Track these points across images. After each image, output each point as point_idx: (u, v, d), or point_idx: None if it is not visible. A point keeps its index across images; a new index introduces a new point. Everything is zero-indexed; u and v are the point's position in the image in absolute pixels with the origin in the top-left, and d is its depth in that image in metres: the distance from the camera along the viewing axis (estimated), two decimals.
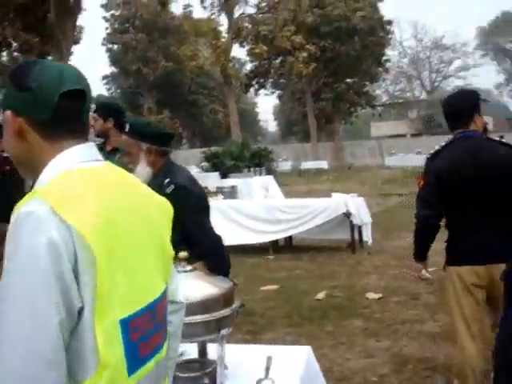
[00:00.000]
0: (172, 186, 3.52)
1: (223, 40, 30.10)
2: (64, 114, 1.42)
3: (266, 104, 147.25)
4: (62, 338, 1.19)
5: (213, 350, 2.89)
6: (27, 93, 1.40)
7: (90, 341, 1.23)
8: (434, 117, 53.73)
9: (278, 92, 53.18)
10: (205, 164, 25.02)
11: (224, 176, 22.52)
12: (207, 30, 29.80)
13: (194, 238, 3.48)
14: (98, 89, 65.16)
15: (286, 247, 10.80)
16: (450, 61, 69.79)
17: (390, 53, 48.20)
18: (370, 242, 10.39)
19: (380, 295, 7.23)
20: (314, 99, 42.80)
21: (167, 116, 46.55)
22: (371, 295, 7.25)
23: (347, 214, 9.77)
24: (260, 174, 17.86)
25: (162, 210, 1.57)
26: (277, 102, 66.44)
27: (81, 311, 1.22)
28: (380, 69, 44.95)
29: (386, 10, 40.96)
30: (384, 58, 44.25)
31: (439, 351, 5.31)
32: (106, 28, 46.18)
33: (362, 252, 10.04)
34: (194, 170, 30.03)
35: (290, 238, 10.82)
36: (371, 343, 5.63)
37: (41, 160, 1.42)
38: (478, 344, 3.84)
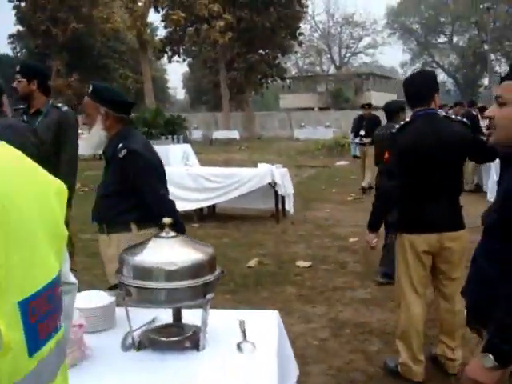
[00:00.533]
0: (124, 151, 3.62)
1: (140, 4, 29.49)
2: None
3: (174, 71, 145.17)
4: None
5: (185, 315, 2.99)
6: None
7: None
8: (343, 91, 54.86)
9: (188, 60, 52.66)
10: None
11: None
12: None
13: (146, 202, 3.65)
14: (3, 48, 62.50)
15: (209, 216, 10.90)
16: (360, 38, 71.26)
17: (303, 26, 48.43)
18: (292, 211, 10.65)
19: (310, 263, 7.47)
20: (226, 69, 42.68)
21: (76, 79, 45.22)
22: (301, 263, 7.49)
23: (272, 184, 9.97)
24: (178, 142, 17.81)
25: (58, 194, 1.51)
26: (186, 70, 65.86)
27: None
28: (293, 42, 45.21)
29: None
30: (298, 31, 44.50)
31: (372, 316, 5.62)
32: None
33: (285, 222, 10.28)
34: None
35: (213, 206, 10.94)
36: (308, 309, 5.86)
37: None
38: (422, 307, 4.17)
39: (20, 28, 47.92)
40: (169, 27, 37.63)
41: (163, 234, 2.80)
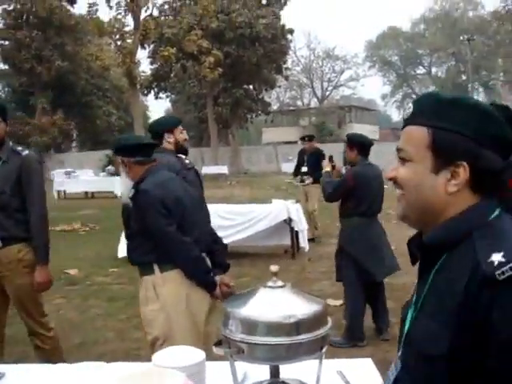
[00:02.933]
0: (133, 191, 3.66)
1: (129, 41, 29.52)
2: None
3: (155, 108, 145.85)
4: None
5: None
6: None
7: None
8: (326, 124, 55.19)
9: (172, 96, 52.84)
10: (110, 168, 24.35)
11: None
12: (113, 29, 29.06)
13: (156, 241, 3.61)
14: None
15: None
16: (342, 71, 72.14)
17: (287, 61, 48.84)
18: (307, 248, 10.48)
19: (340, 301, 7.28)
20: (212, 104, 42.85)
21: (61, 117, 45.08)
22: (332, 301, 7.29)
23: (288, 221, 9.81)
24: None
25: None
26: (168, 106, 66.02)
27: None
28: (277, 76, 45.53)
29: (282, 20, 41.74)
30: (285, 65, 44.90)
31: None
32: None
33: (301, 258, 10.11)
34: (88, 174, 29.32)
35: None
36: (354, 351, 5.68)
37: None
38: None
39: (1, 66, 47.96)
40: (155, 63, 37.74)
41: (271, 284, 2.63)
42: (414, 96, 74.12)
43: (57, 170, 35.45)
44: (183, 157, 4.48)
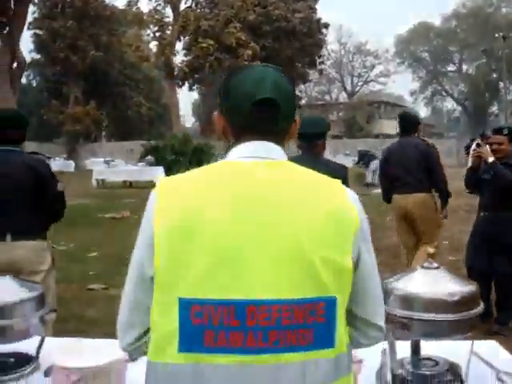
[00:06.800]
0: None
1: (168, 32, 29.63)
2: (250, 119, 1.56)
3: (182, 99, 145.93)
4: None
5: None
6: (227, 99, 1.59)
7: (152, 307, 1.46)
8: (356, 120, 54.98)
9: (202, 88, 52.82)
10: (150, 158, 24.59)
11: (168, 170, 22.19)
12: (152, 20, 29.22)
13: None
14: None
15: None
16: (372, 66, 71.64)
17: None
18: None
19: None
20: None
21: (93, 107, 45.38)
22: None
23: None
24: None
25: (334, 217, 1.49)
26: (195, 98, 66.11)
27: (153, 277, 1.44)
28: (312, 71, 45.42)
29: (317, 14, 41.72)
30: (319, 60, 44.76)
31: None
32: (34, 12, 44.52)
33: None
34: (121, 163, 29.42)
35: None
36: None
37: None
38: None
39: (34, 55, 48.29)
40: (190, 56, 37.81)
41: (427, 265, 2.72)
42: (443, 93, 73.58)
43: (91, 159, 35.73)
44: None
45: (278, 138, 1.62)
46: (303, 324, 1.43)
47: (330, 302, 1.46)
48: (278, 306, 1.40)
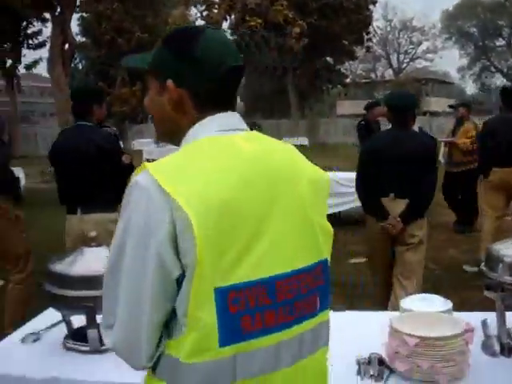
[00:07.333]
0: None
1: (215, 11, 29.59)
2: (221, 88, 1.47)
3: None
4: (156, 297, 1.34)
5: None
6: (192, 64, 1.44)
7: (183, 304, 1.31)
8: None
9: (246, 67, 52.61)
10: None
11: None
12: (201, 0, 29.23)
13: None
14: None
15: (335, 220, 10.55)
16: (419, 42, 70.51)
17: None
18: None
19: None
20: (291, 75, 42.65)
21: (139, 88, 45.66)
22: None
23: None
24: None
25: (314, 185, 1.53)
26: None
27: (180, 277, 1.31)
28: (358, 48, 44.97)
29: None
30: (367, 37, 44.23)
31: None
32: None
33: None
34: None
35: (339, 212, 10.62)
36: None
37: (185, 129, 1.49)
38: None
39: (79, 38, 48.77)
40: (235, 35, 37.67)
41: None
42: (492, 69, 72.02)
43: (137, 139, 36.05)
44: None
45: (234, 108, 1.55)
46: (313, 289, 1.48)
47: (325, 264, 1.53)
48: (297, 277, 1.43)
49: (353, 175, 10.29)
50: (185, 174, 1.33)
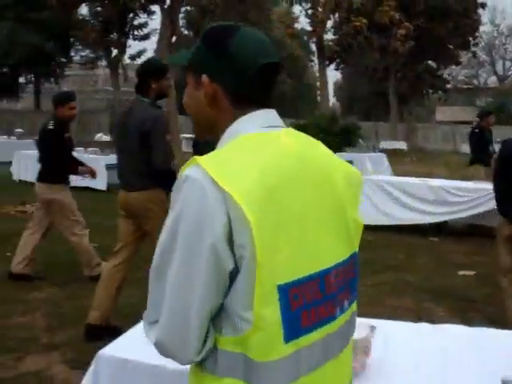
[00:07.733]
0: None
1: (320, 10, 29.36)
2: (257, 85, 1.49)
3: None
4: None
5: None
6: (227, 61, 1.45)
7: (242, 301, 1.30)
8: (508, 106, 52.22)
9: (346, 67, 52.18)
10: None
11: None
12: None
13: None
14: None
15: (439, 230, 10.23)
16: None
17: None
18: None
19: None
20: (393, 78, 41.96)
21: None
22: None
23: None
24: (374, 151, 17.52)
25: (348, 179, 1.56)
26: (337, 78, 65.48)
27: (233, 271, 1.30)
28: (463, 52, 43.77)
29: None
30: (474, 41, 42.98)
31: None
32: None
33: None
34: None
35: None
36: None
37: (224, 126, 1.50)
38: None
39: (183, 31, 49.52)
40: (337, 34, 37.39)
41: None
42: None
43: None
44: None
45: (271, 105, 1.56)
46: (348, 281, 1.52)
47: (356, 257, 1.58)
48: (337, 270, 1.47)
49: (462, 184, 10.12)
50: (235, 168, 1.33)
